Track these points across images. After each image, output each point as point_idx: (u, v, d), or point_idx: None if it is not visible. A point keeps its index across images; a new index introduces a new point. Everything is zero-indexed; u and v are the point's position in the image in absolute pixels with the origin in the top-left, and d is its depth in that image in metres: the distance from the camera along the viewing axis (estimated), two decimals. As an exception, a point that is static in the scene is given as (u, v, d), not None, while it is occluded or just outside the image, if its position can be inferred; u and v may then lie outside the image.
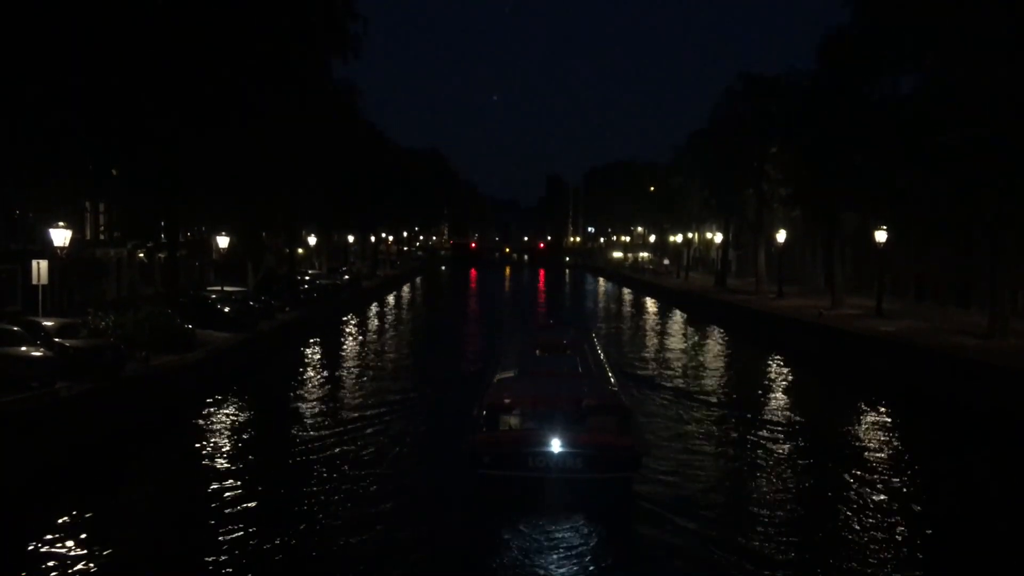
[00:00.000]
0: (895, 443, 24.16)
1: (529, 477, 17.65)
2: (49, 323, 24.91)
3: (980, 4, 29.45)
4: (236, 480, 19.85)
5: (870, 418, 27.45)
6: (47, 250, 30.05)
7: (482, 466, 18.05)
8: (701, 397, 30.79)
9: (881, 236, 40.00)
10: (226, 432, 24.76)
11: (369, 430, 24.86)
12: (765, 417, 27.43)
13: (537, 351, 26.63)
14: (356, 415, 26.78)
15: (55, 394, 20.93)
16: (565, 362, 24.51)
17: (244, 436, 24.50)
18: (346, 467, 21.00)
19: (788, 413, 28.24)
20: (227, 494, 18.71)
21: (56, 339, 23.63)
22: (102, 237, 44.89)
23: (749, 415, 27.53)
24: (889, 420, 27.17)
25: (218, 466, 21.14)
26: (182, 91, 31.84)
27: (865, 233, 42.34)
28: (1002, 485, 20.53)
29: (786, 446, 23.80)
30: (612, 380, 23.57)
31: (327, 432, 24.54)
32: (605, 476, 17.88)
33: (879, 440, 24.50)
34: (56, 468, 19.55)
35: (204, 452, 22.52)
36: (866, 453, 22.87)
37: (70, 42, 27.73)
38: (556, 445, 17.67)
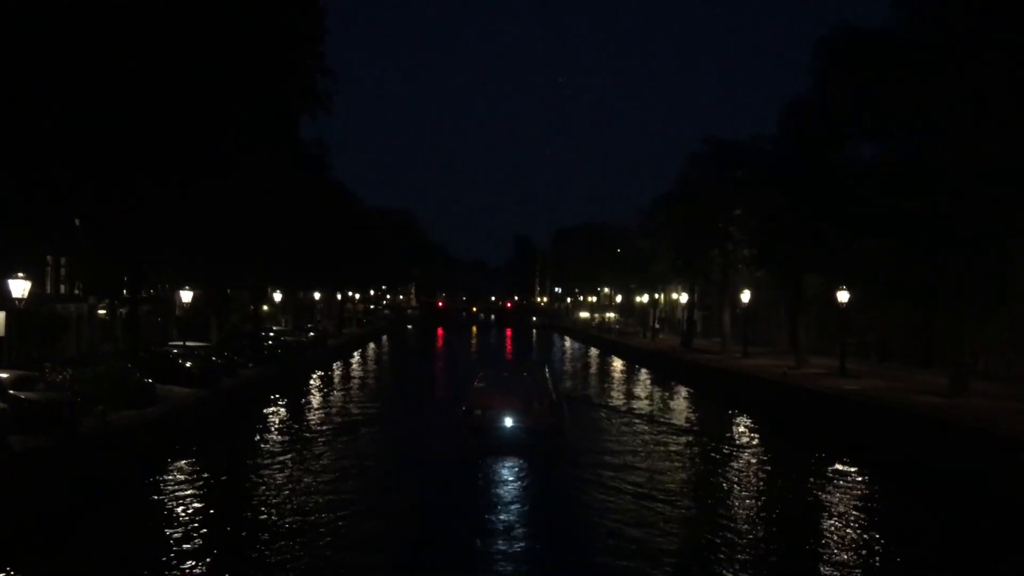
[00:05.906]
0: (845, 490, 24.38)
1: (492, 443, 29.59)
2: (4, 375, 24.33)
3: (932, 80, 30.16)
4: (191, 545, 19.24)
5: (829, 470, 27.86)
6: (5, 302, 29.53)
7: (464, 437, 30.67)
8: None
9: (843, 297, 40.52)
10: (182, 494, 23.84)
11: (330, 496, 24.42)
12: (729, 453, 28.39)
13: (503, 374, 38.96)
14: (319, 479, 26.29)
15: (7, 447, 20.36)
16: (520, 381, 35.96)
17: (201, 498, 23.65)
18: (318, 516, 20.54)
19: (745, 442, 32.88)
20: (182, 563, 18.06)
21: (11, 391, 23.05)
22: (63, 292, 44.25)
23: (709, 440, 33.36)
24: (842, 469, 28.00)
25: (172, 533, 20.21)
26: (150, 147, 31.59)
27: (829, 294, 42.85)
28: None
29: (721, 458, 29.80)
30: (552, 391, 34.12)
31: (287, 492, 24.04)
32: (539, 442, 29.65)
33: (832, 487, 24.90)
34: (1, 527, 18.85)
35: (157, 516, 21.69)
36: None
37: (35, 95, 27.53)
38: (509, 423, 29.87)
